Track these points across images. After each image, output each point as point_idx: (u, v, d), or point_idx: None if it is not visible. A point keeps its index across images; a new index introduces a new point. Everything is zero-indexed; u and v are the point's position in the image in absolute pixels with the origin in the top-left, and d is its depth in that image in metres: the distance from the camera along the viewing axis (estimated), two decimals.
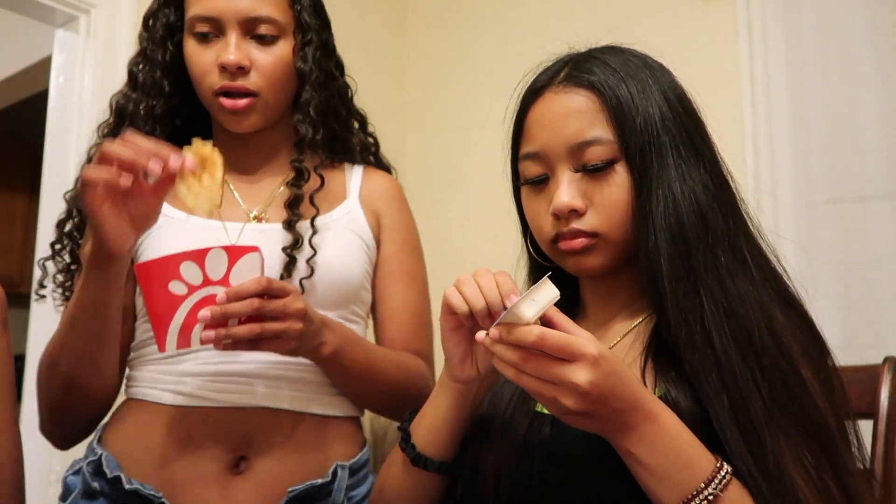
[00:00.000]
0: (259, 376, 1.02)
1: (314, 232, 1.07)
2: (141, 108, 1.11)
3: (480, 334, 0.69)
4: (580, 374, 0.65)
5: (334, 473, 1.02)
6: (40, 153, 1.73)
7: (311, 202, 1.09)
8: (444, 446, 0.85)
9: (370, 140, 1.28)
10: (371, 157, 1.28)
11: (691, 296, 0.76)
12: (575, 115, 0.82)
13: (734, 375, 0.72)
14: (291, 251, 1.04)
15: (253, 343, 0.91)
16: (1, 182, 4.22)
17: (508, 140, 0.92)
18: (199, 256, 0.86)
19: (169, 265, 0.86)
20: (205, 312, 0.86)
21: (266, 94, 1.07)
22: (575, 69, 0.85)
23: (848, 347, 1.28)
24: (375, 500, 0.93)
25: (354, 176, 1.21)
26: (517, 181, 0.91)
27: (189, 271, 0.86)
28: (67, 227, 1.12)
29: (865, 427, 0.88)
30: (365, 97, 1.30)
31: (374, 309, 1.19)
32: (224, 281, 0.87)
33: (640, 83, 0.83)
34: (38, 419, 1.07)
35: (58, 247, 1.12)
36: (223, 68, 1.05)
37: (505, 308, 0.72)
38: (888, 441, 0.99)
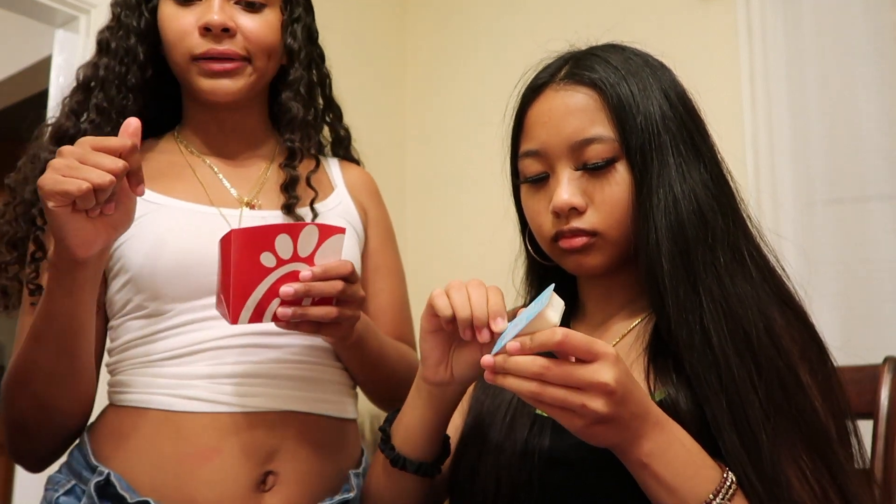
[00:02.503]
0: (277, 376, 0.96)
1: (315, 215, 1.03)
2: (113, 75, 1.02)
3: (487, 358, 0.67)
4: (606, 373, 0.64)
5: (355, 484, 1.00)
6: None
7: (309, 184, 1.04)
8: (422, 447, 0.84)
9: (343, 133, 1.22)
10: (342, 150, 1.23)
11: (691, 295, 0.76)
12: (576, 112, 0.82)
13: (732, 376, 0.72)
14: None
15: (317, 325, 0.87)
16: (1, 182, 4.22)
17: (508, 137, 0.91)
18: (294, 230, 0.84)
19: (267, 235, 0.83)
20: (287, 289, 0.82)
21: (257, 61, 1.00)
22: (576, 67, 0.84)
23: (848, 347, 1.28)
24: (363, 502, 0.93)
25: (333, 168, 1.18)
26: (517, 179, 0.90)
27: (283, 244, 0.83)
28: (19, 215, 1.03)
29: (865, 427, 0.88)
30: (365, 99, 1.29)
31: None
32: (309, 259, 0.85)
33: (640, 81, 0.82)
34: (6, 440, 0.95)
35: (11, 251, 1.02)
36: (206, 30, 0.97)
37: (489, 328, 0.72)
38: (888, 441, 0.99)
